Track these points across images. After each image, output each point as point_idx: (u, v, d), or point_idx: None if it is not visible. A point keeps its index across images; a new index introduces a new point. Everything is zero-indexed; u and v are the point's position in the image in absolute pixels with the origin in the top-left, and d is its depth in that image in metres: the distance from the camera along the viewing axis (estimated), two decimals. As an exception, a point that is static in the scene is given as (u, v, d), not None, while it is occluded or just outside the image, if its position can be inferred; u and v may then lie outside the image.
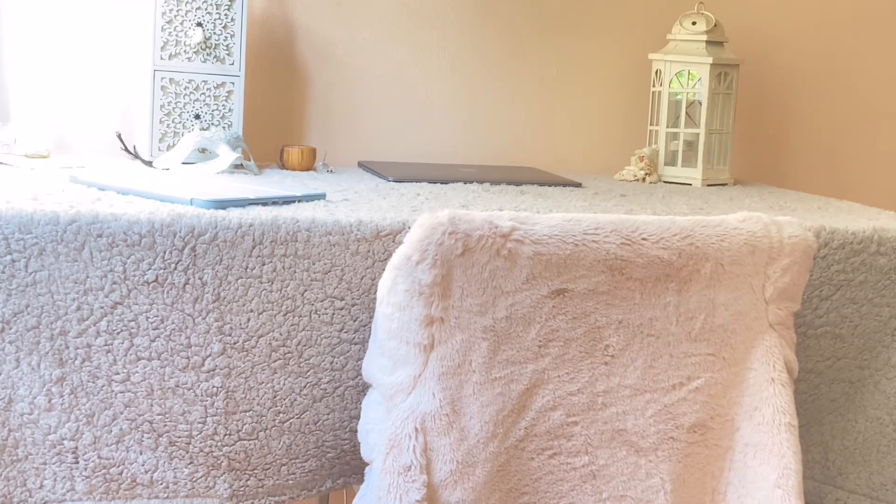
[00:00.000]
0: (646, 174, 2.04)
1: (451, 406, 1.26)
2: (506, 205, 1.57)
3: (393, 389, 1.26)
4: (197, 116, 1.84)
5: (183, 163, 1.75)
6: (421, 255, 1.22)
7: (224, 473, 1.36)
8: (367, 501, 1.30)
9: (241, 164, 1.79)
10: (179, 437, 1.33)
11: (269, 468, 1.38)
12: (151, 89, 1.82)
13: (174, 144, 1.83)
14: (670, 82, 2.06)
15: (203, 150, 1.79)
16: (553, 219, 1.27)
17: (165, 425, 1.32)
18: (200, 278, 1.30)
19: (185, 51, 1.83)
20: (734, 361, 1.37)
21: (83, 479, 1.31)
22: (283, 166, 1.89)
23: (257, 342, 1.33)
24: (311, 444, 1.39)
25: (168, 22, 1.82)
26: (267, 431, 1.36)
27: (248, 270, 1.32)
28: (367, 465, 1.32)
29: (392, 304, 1.24)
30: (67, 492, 1.31)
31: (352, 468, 1.43)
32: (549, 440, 1.32)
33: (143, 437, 1.32)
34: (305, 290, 1.34)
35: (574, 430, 1.32)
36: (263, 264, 1.32)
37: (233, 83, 1.85)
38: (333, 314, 1.36)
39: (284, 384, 1.36)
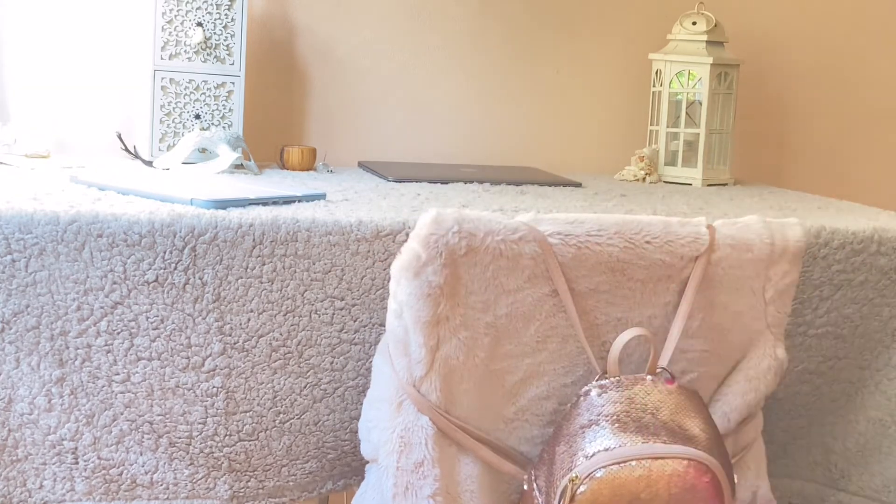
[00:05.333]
0: (646, 174, 2.03)
1: (453, 401, 1.26)
2: (506, 205, 1.57)
3: (401, 388, 1.26)
4: (197, 116, 1.84)
5: (183, 163, 1.75)
6: (429, 255, 1.22)
7: (224, 474, 1.35)
8: (367, 499, 1.30)
9: (241, 164, 1.78)
10: (180, 438, 1.33)
11: (270, 469, 1.38)
12: (151, 89, 1.82)
13: (174, 144, 1.83)
14: (670, 82, 2.05)
15: (203, 150, 1.79)
16: (556, 220, 1.27)
17: (165, 426, 1.32)
18: (200, 278, 1.30)
19: (185, 51, 1.83)
20: (729, 358, 1.37)
21: (83, 480, 1.31)
22: (283, 166, 1.89)
23: (257, 342, 1.33)
24: (312, 445, 1.39)
25: (168, 22, 1.82)
26: (267, 432, 1.36)
27: (248, 270, 1.32)
28: (368, 464, 1.32)
29: (399, 303, 1.24)
30: (67, 492, 1.31)
31: (352, 469, 1.42)
32: (540, 427, 1.32)
33: (143, 437, 1.32)
34: (305, 290, 1.34)
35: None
36: (263, 264, 1.32)
37: (233, 83, 1.85)
38: (333, 314, 1.36)
39: (284, 384, 1.35)
